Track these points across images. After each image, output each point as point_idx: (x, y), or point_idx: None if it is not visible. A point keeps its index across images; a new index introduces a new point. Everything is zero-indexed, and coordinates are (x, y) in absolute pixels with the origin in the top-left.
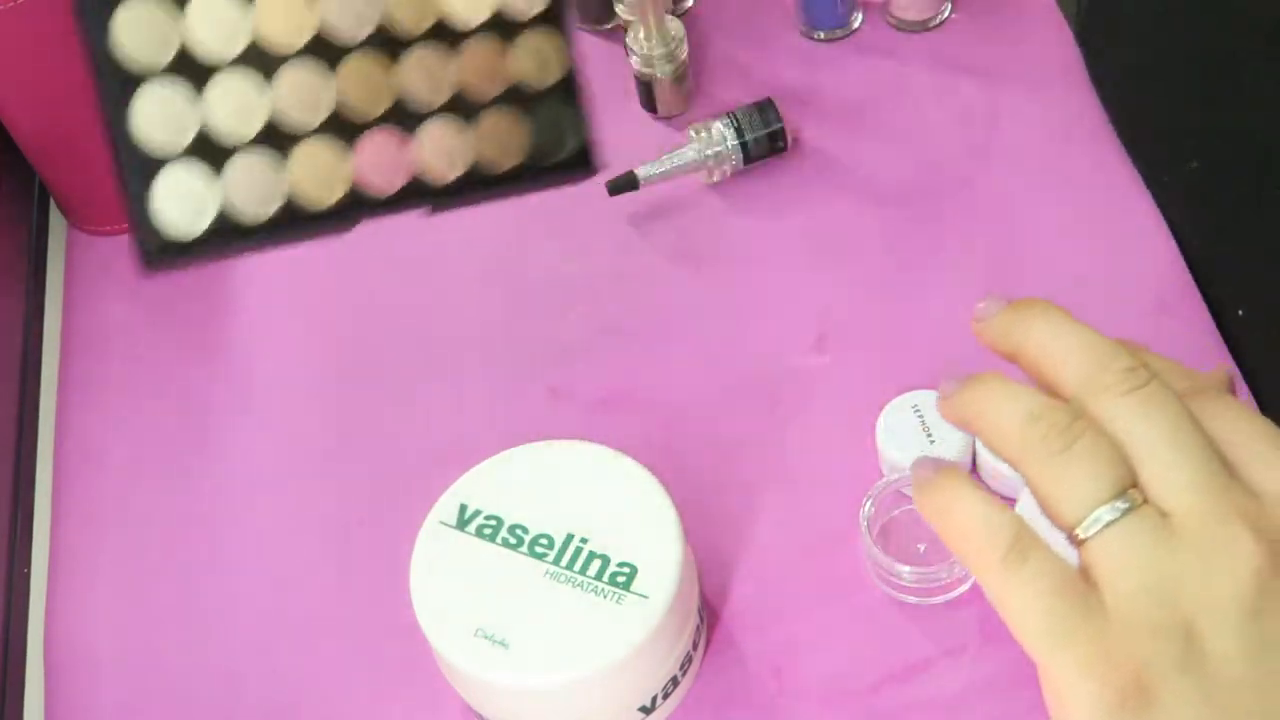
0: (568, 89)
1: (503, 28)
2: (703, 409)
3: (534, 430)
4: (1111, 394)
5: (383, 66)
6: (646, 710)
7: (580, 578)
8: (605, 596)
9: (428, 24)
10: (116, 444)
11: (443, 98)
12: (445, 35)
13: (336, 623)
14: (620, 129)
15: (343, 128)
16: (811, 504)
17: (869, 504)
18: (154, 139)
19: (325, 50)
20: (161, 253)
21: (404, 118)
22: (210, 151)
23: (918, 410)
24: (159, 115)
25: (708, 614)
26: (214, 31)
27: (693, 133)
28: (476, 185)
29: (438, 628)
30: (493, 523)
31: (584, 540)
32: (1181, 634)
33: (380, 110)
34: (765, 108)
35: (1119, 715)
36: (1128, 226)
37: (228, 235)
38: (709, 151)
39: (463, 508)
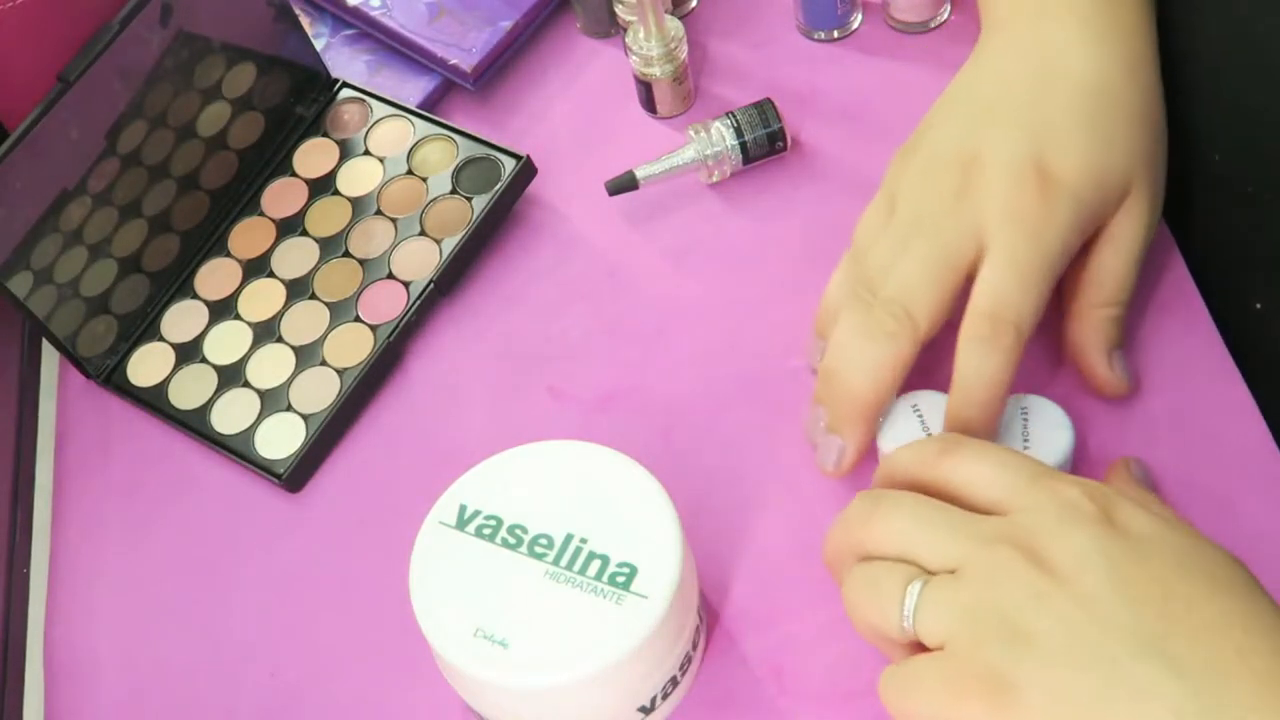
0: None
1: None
2: (702, 409)
3: (534, 430)
4: (866, 529)
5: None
6: (646, 710)
7: (580, 578)
8: (605, 596)
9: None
10: (117, 445)
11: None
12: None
13: (336, 623)
14: (620, 129)
15: (345, 307)
16: (811, 504)
17: None
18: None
19: (299, 287)
20: None
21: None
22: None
23: (917, 410)
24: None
25: (708, 614)
26: (225, 347)
27: (692, 133)
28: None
29: (437, 628)
30: (492, 523)
31: (584, 540)
32: (1005, 634)
33: (355, 284)
34: (765, 108)
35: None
36: None
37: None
38: (708, 151)
39: (462, 508)
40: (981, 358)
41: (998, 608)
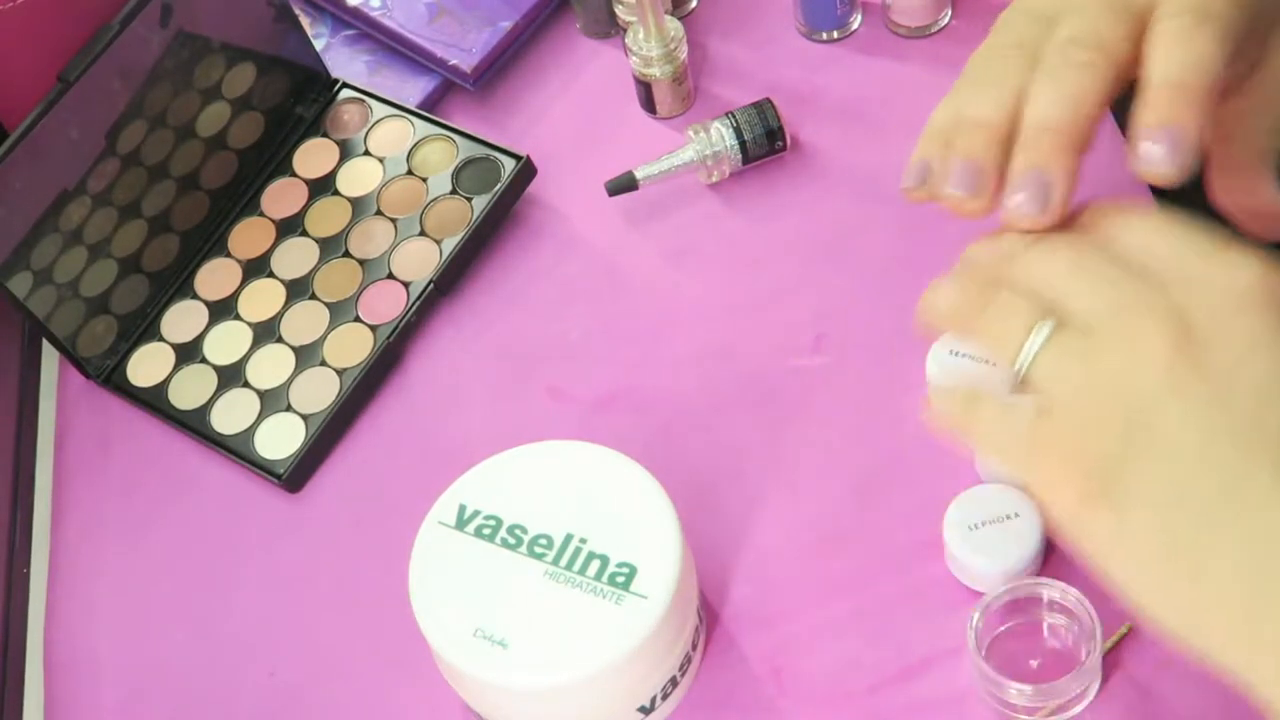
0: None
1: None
2: (703, 409)
3: (534, 430)
4: (1016, 259)
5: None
6: (646, 710)
7: (579, 578)
8: (604, 596)
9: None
10: (117, 445)
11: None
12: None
13: (336, 623)
14: (620, 129)
15: (345, 307)
16: (811, 504)
17: (977, 616)
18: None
19: (299, 287)
20: None
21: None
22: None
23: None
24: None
25: (707, 614)
26: (224, 347)
27: (691, 133)
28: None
29: (437, 628)
30: (492, 523)
31: (583, 540)
32: (1122, 422)
33: (355, 285)
34: (764, 108)
35: (1085, 513)
36: None
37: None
38: (708, 151)
39: (462, 508)
40: (1183, 41)
41: (1126, 385)
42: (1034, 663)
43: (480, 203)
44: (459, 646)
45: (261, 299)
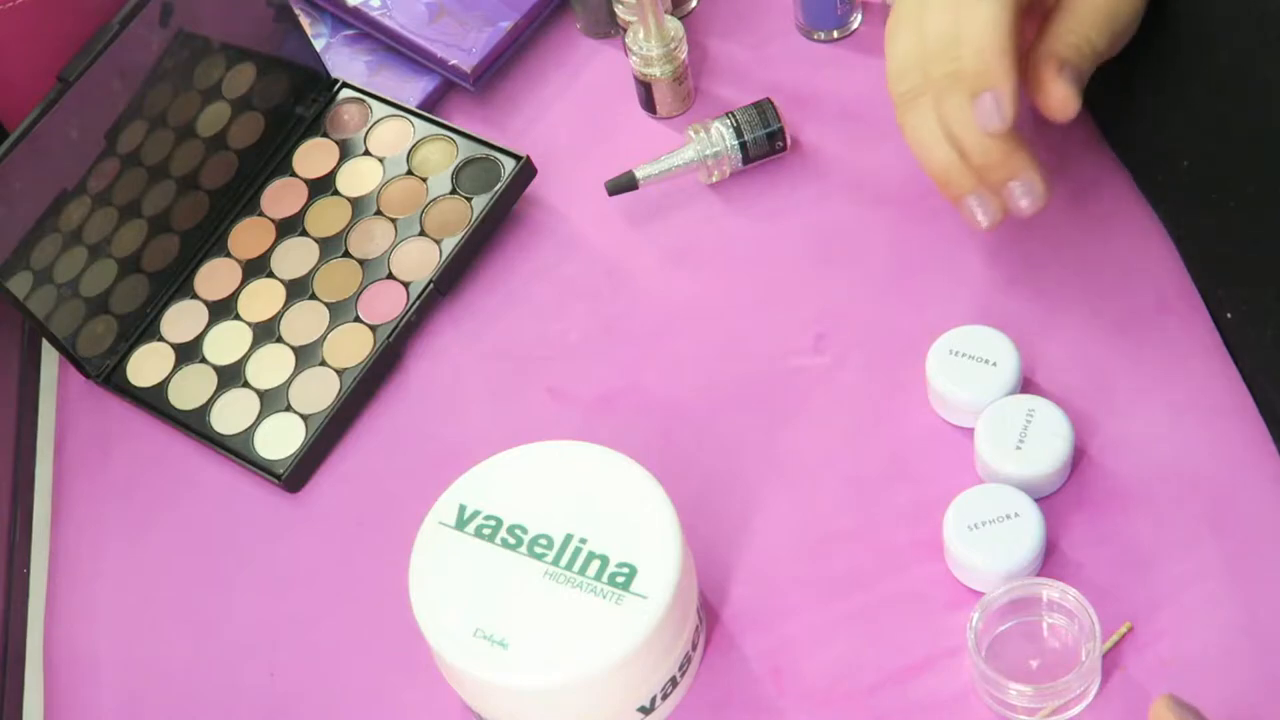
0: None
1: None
2: (702, 409)
3: (533, 430)
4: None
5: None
6: (646, 710)
7: (579, 578)
8: (604, 596)
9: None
10: (117, 445)
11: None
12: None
13: (336, 623)
14: (620, 129)
15: (344, 308)
16: (811, 504)
17: (977, 617)
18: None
19: (298, 287)
20: None
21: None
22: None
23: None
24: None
25: (707, 614)
26: (224, 347)
27: (692, 133)
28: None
29: (437, 628)
30: (492, 523)
31: (583, 540)
32: None
33: (355, 285)
34: (764, 108)
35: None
36: (1127, 226)
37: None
38: (708, 151)
39: (462, 508)
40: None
41: None
42: (1034, 663)
43: (480, 203)
44: (459, 646)
45: (261, 299)
